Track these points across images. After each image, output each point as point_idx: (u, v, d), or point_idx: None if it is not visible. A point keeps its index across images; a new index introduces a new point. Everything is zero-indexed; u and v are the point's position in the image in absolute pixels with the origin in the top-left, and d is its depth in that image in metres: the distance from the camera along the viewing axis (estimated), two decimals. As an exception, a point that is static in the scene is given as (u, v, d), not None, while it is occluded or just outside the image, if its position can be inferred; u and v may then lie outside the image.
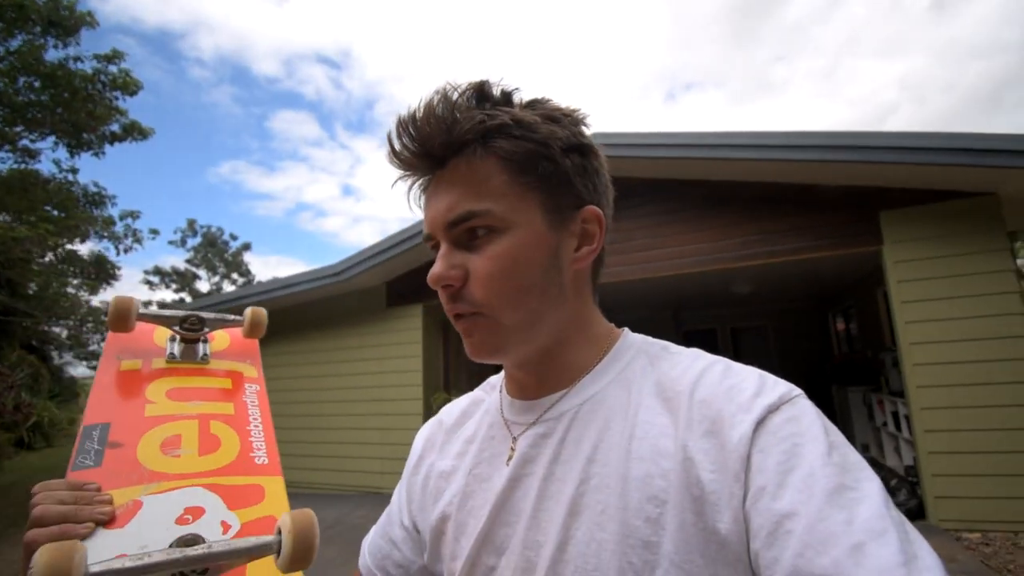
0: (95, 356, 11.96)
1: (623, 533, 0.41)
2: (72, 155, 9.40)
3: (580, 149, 0.49)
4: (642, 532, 0.41)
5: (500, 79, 0.48)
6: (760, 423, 0.40)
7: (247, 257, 23.93)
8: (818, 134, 3.98)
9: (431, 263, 0.49)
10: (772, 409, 0.40)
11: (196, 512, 0.53)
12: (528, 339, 0.49)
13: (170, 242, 24.36)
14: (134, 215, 11.68)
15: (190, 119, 54.23)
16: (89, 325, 10.42)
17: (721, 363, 0.47)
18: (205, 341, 0.75)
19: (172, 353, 0.72)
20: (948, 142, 3.57)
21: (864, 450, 5.57)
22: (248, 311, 0.81)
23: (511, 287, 0.47)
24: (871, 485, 0.36)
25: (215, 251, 22.58)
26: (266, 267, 52.41)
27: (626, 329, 0.56)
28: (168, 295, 21.30)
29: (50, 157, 10.44)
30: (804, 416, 0.40)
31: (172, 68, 47.73)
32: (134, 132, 9.46)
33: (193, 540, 0.46)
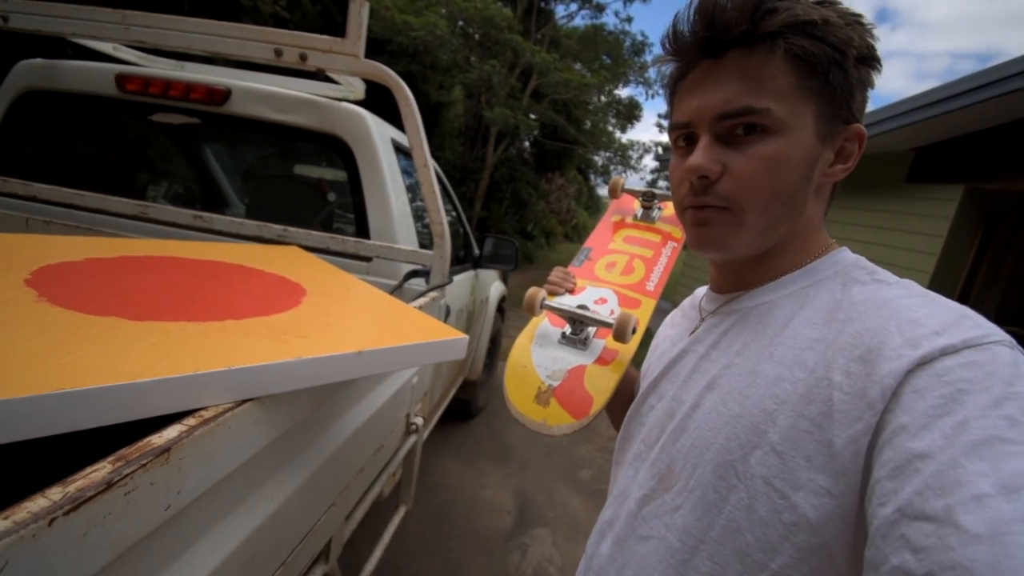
0: (614, 181, 15.25)
1: (738, 414, 0.46)
2: (626, 4, 10.99)
3: (871, 62, 0.47)
4: (754, 418, 0.44)
5: None
6: (926, 362, 0.36)
7: None
8: None
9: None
10: (948, 351, 0.36)
11: (602, 300, 0.86)
12: (758, 244, 0.50)
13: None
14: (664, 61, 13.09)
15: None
16: (617, 157, 13.14)
17: (922, 296, 0.42)
18: (659, 209, 1.05)
19: (636, 215, 1.06)
20: None
21: None
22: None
23: (767, 191, 0.46)
24: None
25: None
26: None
27: (843, 248, 0.53)
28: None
29: (612, 9, 12.54)
30: (991, 364, 0.35)
31: None
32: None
33: (586, 308, 0.82)
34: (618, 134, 13.89)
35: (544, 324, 0.84)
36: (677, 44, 0.49)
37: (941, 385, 0.35)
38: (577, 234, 17.36)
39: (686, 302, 0.71)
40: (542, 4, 11.16)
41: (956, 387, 0.34)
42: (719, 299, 0.58)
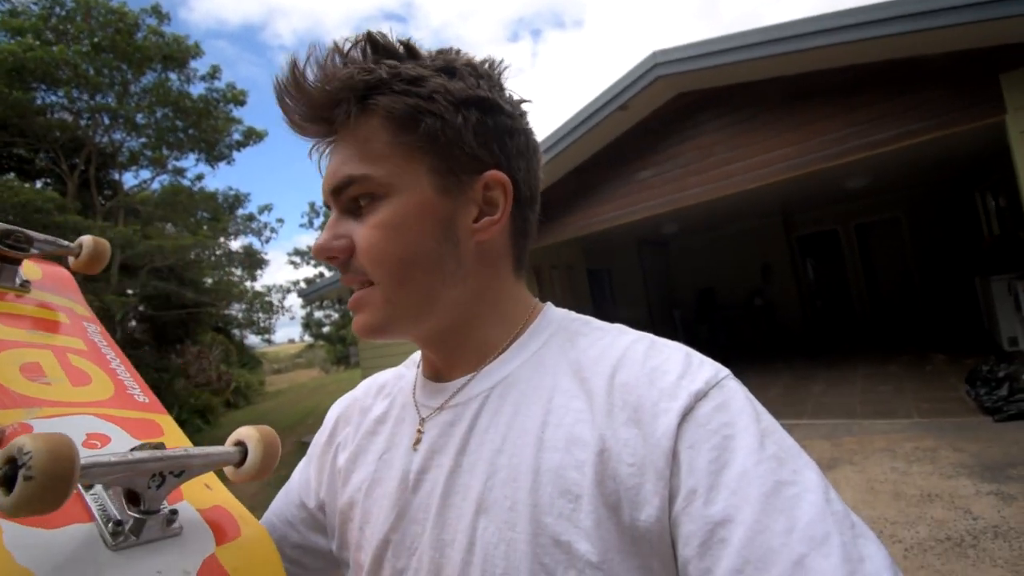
0: (266, 330, 14.40)
1: (534, 531, 0.37)
2: (211, 166, 11.06)
3: (480, 104, 0.43)
4: (554, 530, 0.37)
5: (404, 32, 0.45)
6: (687, 413, 0.37)
7: None
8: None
9: None
10: (699, 396, 0.37)
11: (102, 439, 0.47)
12: (419, 317, 0.45)
13: (300, 225, 27.33)
14: (267, 208, 13.51)
15: (294, 107, 58.62)
16: (256, 304, 12.57)
17: (645, 340, 0.44)
18: (18, 265, 0.64)
19: None
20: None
21: (1011, 343, 4.96)
22: (89, 239, 0.69)
23: (395, 258, 0.43)
24: (810, 475, 0.34)
25: (337, 226, 25.06)
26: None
27: (548, 304, 0.52)
28: (311, 270, 24.42)
29: (195, 173, 12.37)
30: (733, 401, 0.37)
31: (261, 60, 51.68)
32: (252, 136, 10.82)
33: (160, 446, 0.40)
34: (249, 283, 13.38)
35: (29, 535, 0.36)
36: (291, 124, 0.46)
37: (708, 435, 0.36)
38: (245, 398, 15.42)
39: (367, 398, 0.57)
40: (101, 175, 10.02)
41: (721, 434, 0.36)
42: (444, 388, 0.48)
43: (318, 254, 0.45)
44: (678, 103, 5.12)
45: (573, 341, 0.46)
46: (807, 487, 0.34)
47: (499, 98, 0.46)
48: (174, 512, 0.41)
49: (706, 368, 0.40)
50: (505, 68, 0.48)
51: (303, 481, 0.59)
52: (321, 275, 23.44)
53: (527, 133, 0.48)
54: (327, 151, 0.47)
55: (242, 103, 10.17)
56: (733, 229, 9.36)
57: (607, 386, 0.41)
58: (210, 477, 0.49)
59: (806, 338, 8.49)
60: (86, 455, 0.33)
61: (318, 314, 24.78)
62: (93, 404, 0.53)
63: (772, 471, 0.34)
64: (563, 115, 5.56)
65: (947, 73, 3.71)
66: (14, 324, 0.58)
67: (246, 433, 0.45)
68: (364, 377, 0.65)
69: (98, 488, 0.41)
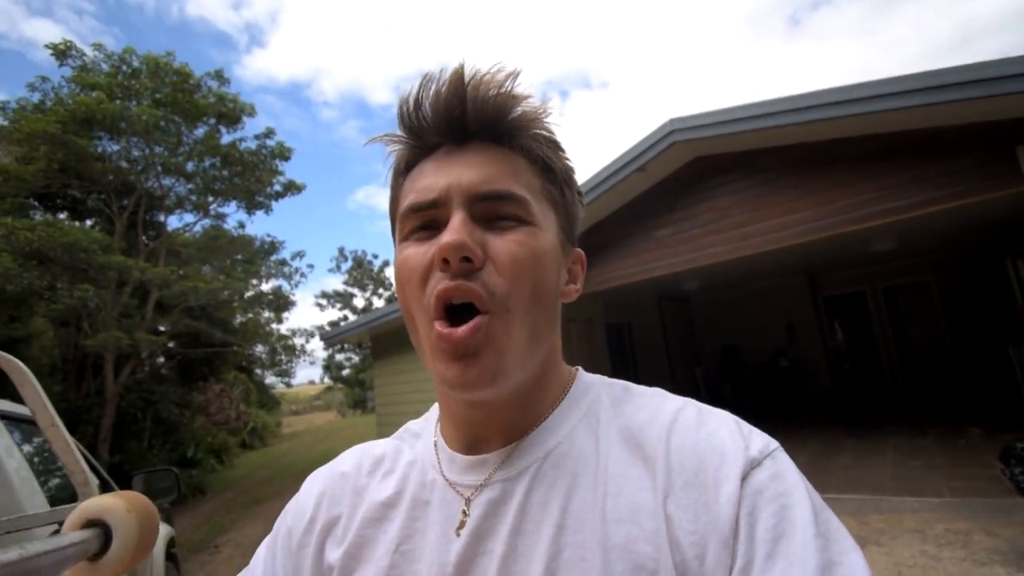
0: (286, 373, 14.58)
1: None
2: (250, 215, 11.65)
3: (580, 194, 0.48)
4: None
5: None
6: (745, 479, 0.36)
7: (388, 272, 26.74)
8: (947, 71, 3.41)
9: None
10: (755, 464, 0.37)
11: None
12: (525, 364, 0.41)
13: (329, 269, 28.07)
14: (300, 255, 14.01)
15: (326, 156, 62.00)
16: (279, 347, 12.83)
17: (692, 406, 0.43)
18: None
19: None
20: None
21: (1054, 420, 4.70)
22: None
23: (530, 285, 0.40)
24: (856, 558, 0.34)
25: (362, 271, 25.74)
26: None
27: (579, 368, 0.50)
28: (336, 313, 24.85)
29: (234, 219, 13.00)
30: (788, 473, 0.37)
31: (305, 115, 55.22)
32: (292, 188, 11.43)
33: None
34: (275, 326, 13.71)
35: None
36: (416, 124, 0.43)
37: (766, 503, 0.35)
38: (260, 439, 15.44)
39: (361, 475, 0.50)
40: (148, 217, 10.64)
41: (778, 503, 0.35)
42: (484, 463, 0.44)
43: (455, 251, 0.38)
44: (696, 166, 5.25)
45: (618, 406, 0.45)
46: (853, 569, 0.34)
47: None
48: None
49: (757, 436, 0.40)
50: None
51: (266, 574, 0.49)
52: (345, 318, 23.85)
53: None
54: (417, 154, 0.45)
55: (287, 158, 10.80)
56: (757, 286, 9.28)
57: (664, 450, 0.39)
58: None
59: (833, 403, 8.16)
60: None
61: (339, 356, 24.98)
62: None
63: (824, 548, 0.34)
64: (588, 171, 5.77)
65: (966, 144, 3.76)
66: None
67: (105, 506, 0.33)
68: (381, 421, 0.55)
69: None
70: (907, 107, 3.58)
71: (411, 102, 0.43)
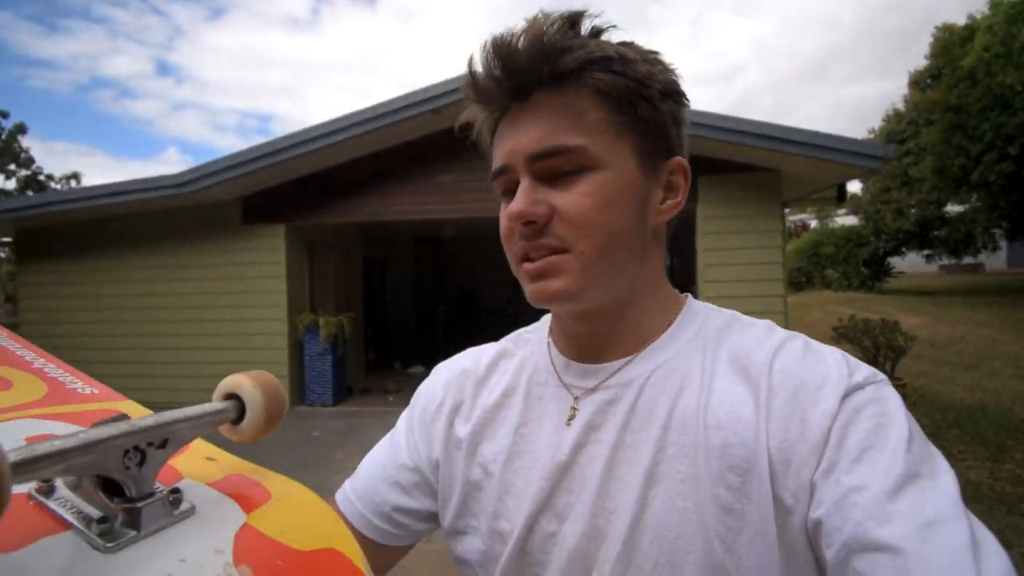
0: None
1: (705, 501, 0.41)
2: None
3: (676, 94, 0.48)
4: (725, 500, 0.40)
5: (595, 13, 0.45)
6: (845, 398, 0.39)
7: (24, 142, 19.65)
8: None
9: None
10: (858, 388, 0.39)
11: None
12: (607, 290, 0.46)
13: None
14: None
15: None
16: None
17: (800, 338, 0.46)
18: None
19: None
20: (748, 127, 4.47)
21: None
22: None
23: (601, 230, 0.44)
24: (948, 477, 0.36)
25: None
26: (51, 155, 41.83)
27: (689, 295, 0.53)
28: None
29: None
30: (890, 400, 0.39)
31: None
32: None
33: (123, 418, 0.34)
34: None
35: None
36: (481, 93, 0.46)
37: (862, 420, 0.38)
38: None
39: (479, 371, 0.57)
40: None
41: (875, 421, 0.38)
42: (599, 371, 0.49)
43: (518, 218, 0.44)
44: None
45: (726, 332, 0.48)
46: (944, 484, 0.35)
47: (684, 91, 0.49)
48: (175, 491, 0.34)
49: (864, 367, 0.42)
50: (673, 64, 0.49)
51: (410, 443, 0.58)
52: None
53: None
54: (494, 119, 0.48)
55: None
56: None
57: (767, 372, 0.42)
58: (209, 448, 0.43)
59: None
60: (20, 450, 0.26)
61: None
62: (23, 407, 0.46)
63: (915, 462, 0.36)
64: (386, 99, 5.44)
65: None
66: None
67: (237, 382, 0.39)
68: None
69: (62, 491, 0.34)
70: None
71: (471, 74, 0.46)
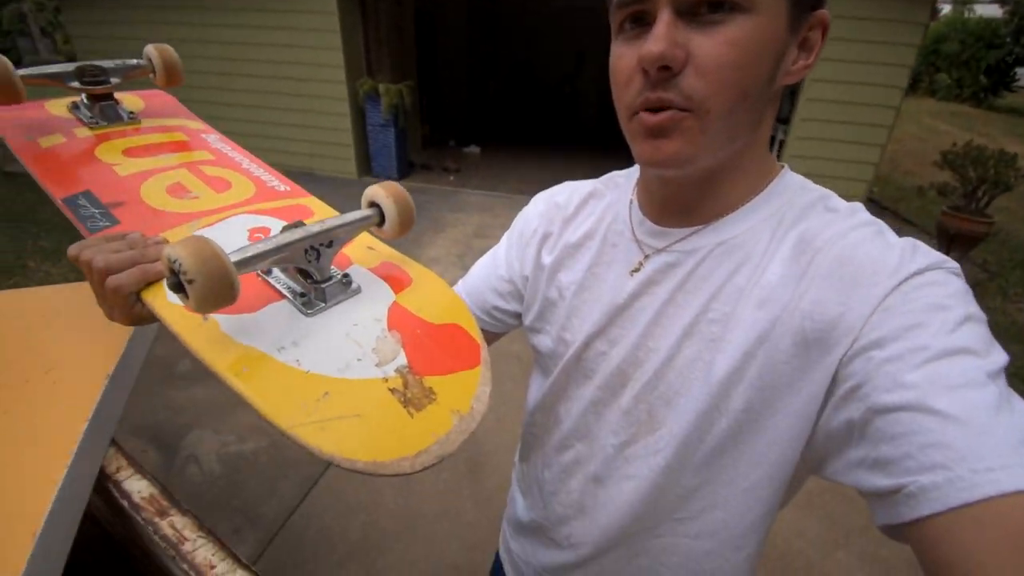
0: None
1: (723, 360, 0.44)
2: None
3: None
4: (736, 361, 0.43)
5: None
6: (899, 285, 0.37)
7: None
8: None
9: None
10: (917, 273, 0.37)
11: (264, 231, 0.52)
12: (716, 158, 0.44)
13: None
14: None
15: None
16: None
17: (875, 225, 0.43)
18: (117, 101, 0.66)
19: (92, 118, 0.63)
20: None
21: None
22: (153, 51, 0.64)
23: (736, 88, 0.39)
24: (998, 356, 0.34)
25: None
26: None
27: (786, 166, 0.50)
28: None
29: None
30: (950, 284, 0.37)
31: None
32: None
33: (298, 224, 0.44)
34: None
35: (234, 321, 0.41)
36: None
37: (910, 301, 0.36)
38: None
39: (570, 208, 0.61)
40: None
41: (924, 302, 0.36)
42: (668, 235, 0.50)
43: (656, 62, 0.38)
44: None
45: (807, 212, 0.46)
46: (992, 360, 0.34)
47: None
48: (346, 276, 0.46)
49: (933, 254, 0.40)
50: None
51: (507, 259, 0.66)
52: None
53: None
54: None
55: None
56: (559, 5, 8.98)
57: (823, 260, 0.41)
58: (370, 239, 0.54)
59: (598, 133, 9.17)
60: (240, 248, 0.37)
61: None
62: (242, 204, 0.57)
63: (963, 340, 0.34)
64: None
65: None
66: (144, 154, 0.61)
67: (374, 192, 0.48)
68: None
69: (276, 271, 0.46)
70: None
71: None
